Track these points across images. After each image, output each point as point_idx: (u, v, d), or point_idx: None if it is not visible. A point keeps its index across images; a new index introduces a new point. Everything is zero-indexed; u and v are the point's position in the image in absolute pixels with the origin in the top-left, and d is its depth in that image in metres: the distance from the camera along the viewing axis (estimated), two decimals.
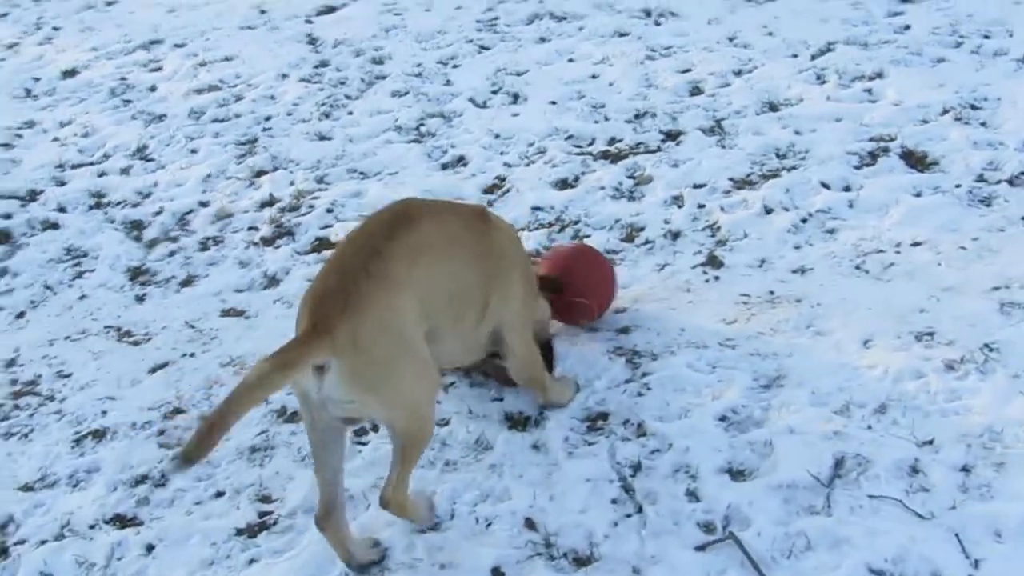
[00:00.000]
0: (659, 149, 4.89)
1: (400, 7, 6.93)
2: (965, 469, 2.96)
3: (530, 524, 3.03)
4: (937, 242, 3.94)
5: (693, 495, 3.03)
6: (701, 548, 2.85)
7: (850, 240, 4.04)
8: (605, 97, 5.43)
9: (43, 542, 3.20)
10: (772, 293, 3.83)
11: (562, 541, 2.95)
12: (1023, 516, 2.76)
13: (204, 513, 3.24)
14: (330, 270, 2.82)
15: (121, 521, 3.25)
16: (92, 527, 3.24)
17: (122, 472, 3.45)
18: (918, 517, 2.82)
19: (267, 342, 3.41)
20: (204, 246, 4.72)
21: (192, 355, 3.98)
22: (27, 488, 3.45)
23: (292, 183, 5.10)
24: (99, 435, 3.63)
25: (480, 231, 3.14)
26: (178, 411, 3.69)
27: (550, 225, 4.47)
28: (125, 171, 5.45)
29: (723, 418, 3.29)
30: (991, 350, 3.35)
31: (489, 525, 3.05)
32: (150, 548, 3.12)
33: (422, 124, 5.47)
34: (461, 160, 5.09)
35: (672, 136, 4.99)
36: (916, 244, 3.95)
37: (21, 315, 4.41)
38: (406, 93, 5.82)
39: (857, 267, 3.89)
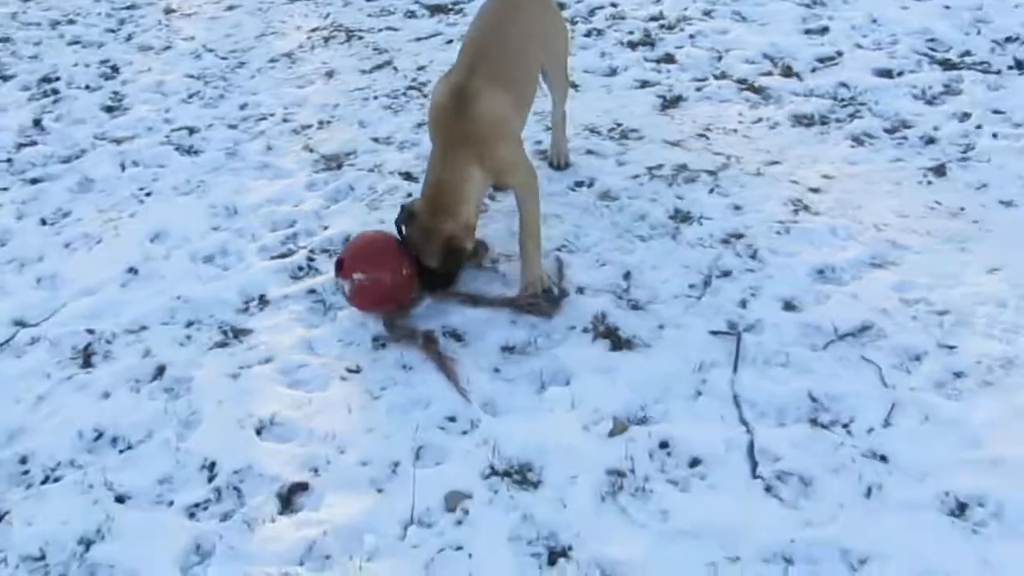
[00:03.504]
0: (998, 72, 5.00)
1: None
2: (958, 375, 3.30)
3: (627, 275, 4.00)
4: None
5: (743, 303, 3.74)
6: (714, 333, 3.62)
7: None
8: (996, 14, 5.50)
9: (360, 169, 4.87)
10: (962, 209, 4.10)
11: (636, 291, 3.88)
12: (953, 417, 3.11)
13: None
14: None
15: (406, 175, 4.80)
16: (391, 172, 4.83)
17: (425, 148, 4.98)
18: (881, 383, 3.30)
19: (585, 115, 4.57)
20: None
21: None
22: (375, 140, 5.15)
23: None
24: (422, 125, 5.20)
25: None
26: None
27: (840, 100, 4.98)
28: None
29: (820, 271, 3.85)
30: None
31: (603, 265, 4.06)
32: (408, 195, 4.63)
33: None
34: (824, 31, 5.63)
35: (1022, 65, 5.03)
36: None
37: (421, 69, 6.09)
38: None
39: None
